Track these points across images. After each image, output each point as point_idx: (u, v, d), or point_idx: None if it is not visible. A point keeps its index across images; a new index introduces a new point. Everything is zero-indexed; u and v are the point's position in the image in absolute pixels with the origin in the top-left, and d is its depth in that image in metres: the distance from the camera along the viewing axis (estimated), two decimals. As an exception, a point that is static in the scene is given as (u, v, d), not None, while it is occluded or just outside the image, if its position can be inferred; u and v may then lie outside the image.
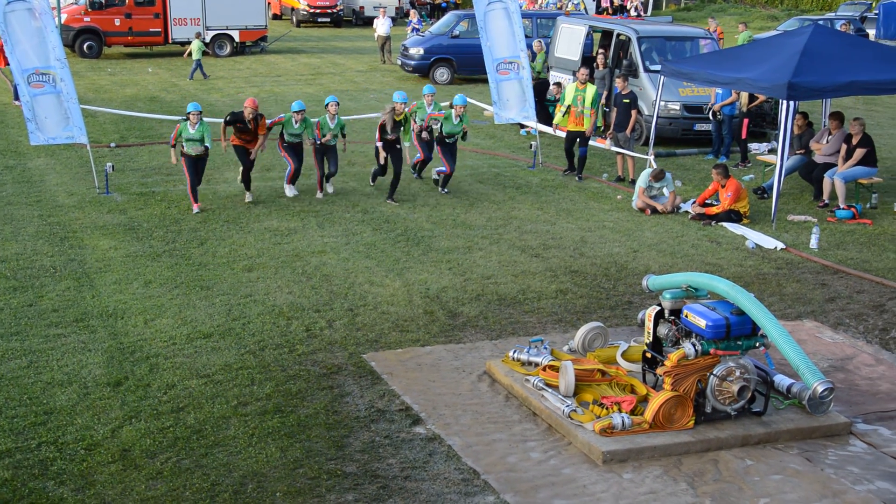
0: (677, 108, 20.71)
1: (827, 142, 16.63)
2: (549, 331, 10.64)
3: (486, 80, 20.08)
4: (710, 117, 19.62)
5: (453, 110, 16.31)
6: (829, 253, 13.73)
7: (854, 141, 16.01)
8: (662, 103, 19.23)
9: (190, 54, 29.56)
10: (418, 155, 16.93)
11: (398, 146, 15.87)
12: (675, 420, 8.19)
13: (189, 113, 14.88)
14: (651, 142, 18.03)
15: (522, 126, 21.61)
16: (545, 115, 20.90)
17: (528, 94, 19.24)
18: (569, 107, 17.72)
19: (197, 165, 15.01)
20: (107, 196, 15.82)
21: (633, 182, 17.23)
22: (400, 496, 7.31)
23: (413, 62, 29.79)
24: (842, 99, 23.33)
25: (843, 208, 15.60)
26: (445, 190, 16.55)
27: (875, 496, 7.41)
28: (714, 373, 8.22)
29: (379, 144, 15.74)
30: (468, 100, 16.97)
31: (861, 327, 10.97)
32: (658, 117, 18.26)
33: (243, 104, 15.61)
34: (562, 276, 12.48)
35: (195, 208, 14.93)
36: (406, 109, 16.18)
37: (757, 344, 8.41)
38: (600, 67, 21.69)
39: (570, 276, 12.53)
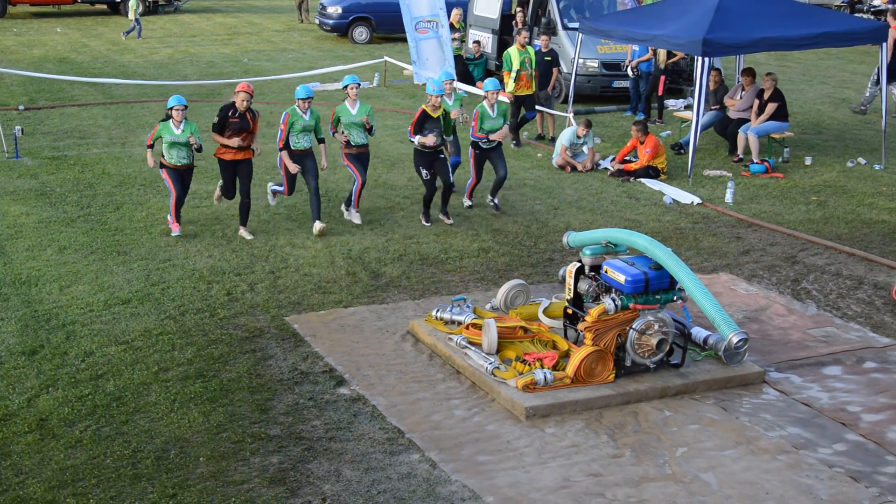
0: (596, 65, 20.85)
1: (740, 97, 16.92)
2: (471, 289, 10.70)
3: (405, 39, 19.94)
4: (629, 73, 19.79)
5: (485, 100, 13.09)
6: (743, 207, 14.02)
7: (766, 96, 16.32)
8: (581, 61, 19.33)
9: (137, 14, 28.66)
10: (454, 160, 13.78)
11: (441, 155, 12.76)
12: (595, 374, 8.32)
13: (171, 109, 11.62)
14: (570, 99, 18.14)
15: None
16: (464, 75, 20.84)
17: (448, 53, 19.15)
18: (518, 72, 16.96)
19: (185, 177, 11.92)
20: (16, 160, 15.36)
21: (553, 140, 17.32)
22: (325, 457, 7.32)
23: (331, 21, 29.42)
24: (755, 55, 23.73)
25: (757, 163, 15.92)
26: (469, 203, 13.59)
27: (786, 441, 7.65)
28: (633, 327, 8.35)
29: (415, 140, 12.43)
30: (388, 59, 16.75)
31: (774, 279, 11.26)
32: (577, 75, 18.35)
33: (234, 91, 11.93)
34: (483, 235, 12.54)
35: (175, 230, 11.91)
36: (448, 100, 13.13)
37: (675, 298, 8.56)
38: (519, 25, 21.68)
39: (491, 234, 12.59)
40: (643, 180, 15.26)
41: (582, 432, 7.75)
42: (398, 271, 11.19)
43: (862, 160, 16.68)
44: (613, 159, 15.97)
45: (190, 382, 8.43)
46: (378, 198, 14.00)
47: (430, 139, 12.23)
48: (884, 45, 16.28)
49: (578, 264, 8.95)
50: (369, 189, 14.44)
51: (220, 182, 12.31)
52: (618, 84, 20.82)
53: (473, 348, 8.75)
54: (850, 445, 7.63)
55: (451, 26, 21.30)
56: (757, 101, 16.39)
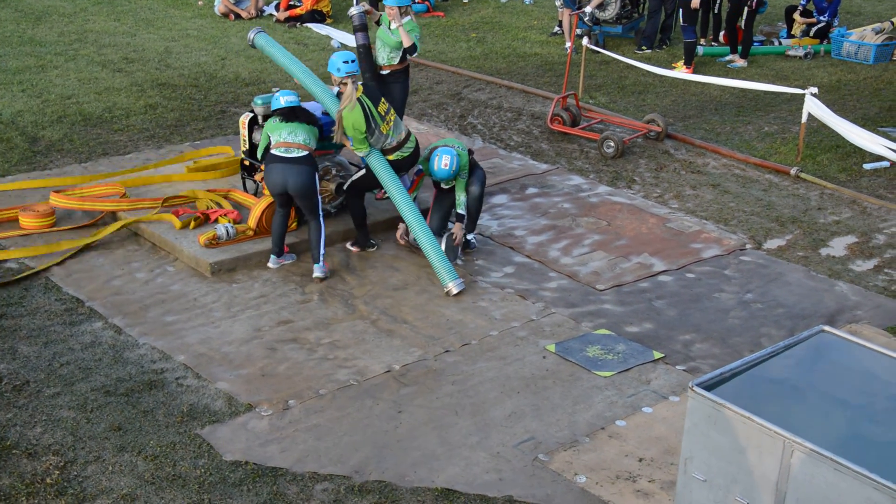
0: None
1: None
2: (142, 148, 10.25)
3: None
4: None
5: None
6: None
7: (425, -64, 16.49)
8: None
9: None
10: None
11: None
12: (278, 223, 8.31)
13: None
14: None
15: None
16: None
17: None
18: None
19: None
20: None
21: (214, -14, 16.63)
22: (-2, 337, 6.89)
23: None
24: None
25: (418, 2, 16.18)
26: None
27: (462, 269, 8.12)
28: (311, 173, 8.40)
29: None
30: None
31: (442, 116, 11.67)
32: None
33: None
34: (149, 91, 11.96)
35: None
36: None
37: (349, 141, 8.66)
38: None
39: (157, 89, 12.04)
40: (310, 25, 15.09)
41: (269, 282, 7.80)
42: (59, 134, 10.47)
43: (516, -4, 17.43)
44: (278, 5, 15.63)
45: None
46: (27, 56, 12.89)
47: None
48: None
49: (251, 115, 8.79)
50: (14, 47, 13.26)
51: None
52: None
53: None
54: (518, 267, 8.23)
55: None
56: (415, -59, 16.53)
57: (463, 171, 8.16)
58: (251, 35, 8.67)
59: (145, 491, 5.42)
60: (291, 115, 7.85)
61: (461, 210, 8.17)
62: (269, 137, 7.89)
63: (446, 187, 8.33)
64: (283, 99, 7.89)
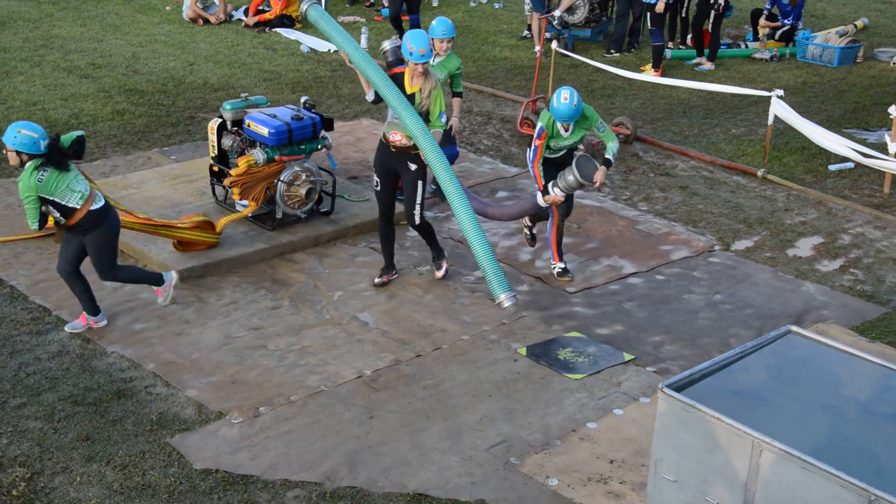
0: None
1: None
2: (109, 155, 10.18)
3: None
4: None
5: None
6: (377, 52, 14.25)
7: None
8: None
9: None
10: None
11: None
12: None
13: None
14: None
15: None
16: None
17: None
18: None
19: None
20: None
21: (182, -9, 16.55)
22: (-36, 347, 6.81)
23: None
24: None
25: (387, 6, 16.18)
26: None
27: (431, 274, 8.12)
28: (281, 179, 8.37)
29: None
30: None
31: (412, 121, 11.65)
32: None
33: None
34: (117, 97, 11.88)
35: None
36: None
37: (319, 146, 8.65)
38: None
39: (125, 95, 11.95)
40: (279, 30, 15.05)
41: (239, 288, 7.77)
42: (24, 142, 10.36)
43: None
44: (247, 10, 15.57)
45: None
46: (-9, 63, 12.77)
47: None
48: None
49: (220, 120, 8.75)
50: (-20, 53, 13.13)
51: None
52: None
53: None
54: (489, 270, 8.23)
55: None
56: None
57: (594, 121, 7.70)
58: (303, 7, 7.54)
59: (114, 501, 5.38)
60: (61, 159, 6.48)
61: (609, 156, 7.77)
62: (54, 196, 6.52)
63: (565, 143, 7.81)
64: (42, 143, 6.42)
